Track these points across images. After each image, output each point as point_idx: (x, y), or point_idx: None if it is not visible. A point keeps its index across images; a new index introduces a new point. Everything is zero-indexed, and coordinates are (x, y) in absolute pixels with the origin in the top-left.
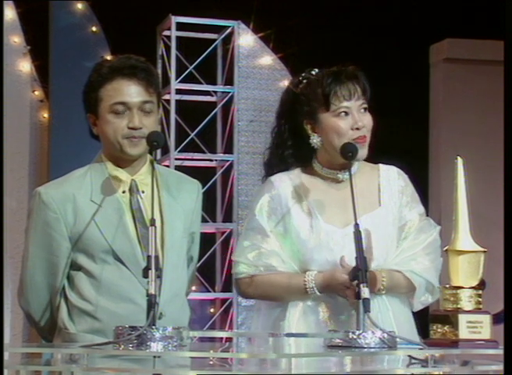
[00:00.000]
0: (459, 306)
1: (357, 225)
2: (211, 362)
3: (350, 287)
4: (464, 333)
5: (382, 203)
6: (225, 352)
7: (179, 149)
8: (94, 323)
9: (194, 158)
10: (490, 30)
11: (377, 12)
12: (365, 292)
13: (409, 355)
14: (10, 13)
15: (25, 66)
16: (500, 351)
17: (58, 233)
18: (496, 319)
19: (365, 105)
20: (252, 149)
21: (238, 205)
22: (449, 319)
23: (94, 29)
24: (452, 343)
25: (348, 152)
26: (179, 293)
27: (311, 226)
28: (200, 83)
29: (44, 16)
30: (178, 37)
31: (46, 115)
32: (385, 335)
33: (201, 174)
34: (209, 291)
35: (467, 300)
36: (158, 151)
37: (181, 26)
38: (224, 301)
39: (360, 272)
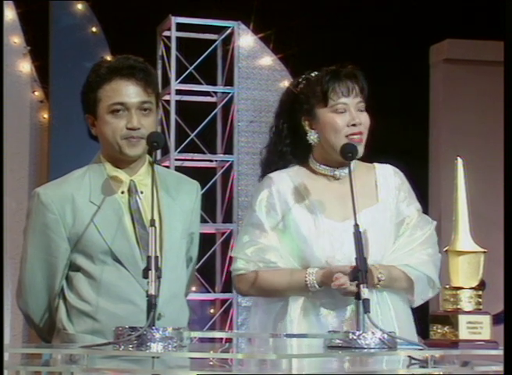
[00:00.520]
0: (459, 307)
1: (357, 226)
2: (211, 363)
3: (344, 276)
4: (464, 333)
5: (380, 199)
6: (225, 353)
7: (179, 150)
8: (93, 323)
9: (194, 158)
10: (490, 30)
11: (377, 12)
12: (365, 293)
13: (409, 356)
14: (10, 14)
15: (25, 66)
16: (500, 352)
17: (56, 234)
18: (495, 320)
19: (363, 104)
20: (252, 150)
21: (238, 206)
22: (449, 319)
23: (94, 29)
24: (452, 343)
25: (348, 153)
26: (178, 293)
27: (311, 221)
28: (200, 83)
29: (44, 16)
30: (178, 38)
31: (46, 115)
32: (385, 336)
33: (201, 175)
34: (209, 292)
35: (467, 300)
36: (158, 152)
37: (181, 27)
38: (224, 301)
39: (360, 272)
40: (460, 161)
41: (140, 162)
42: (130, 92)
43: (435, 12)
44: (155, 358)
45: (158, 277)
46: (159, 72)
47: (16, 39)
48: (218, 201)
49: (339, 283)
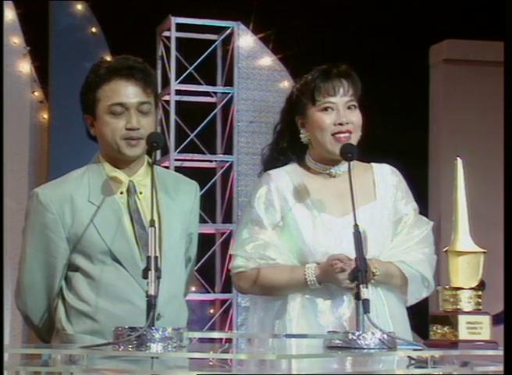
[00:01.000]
0: (459, 307)
1: (356, 226)
2: (211, 363)
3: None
4: (463, 334)
5: (378, 197)
6: (225, 353)
7: (178, 150)
8: (92, 324)
9: (194, 158)
10: (490, 30)
11: (377, 12)
12: (365, 293)
13: (409, 356)
14: (10, 14)
15: (25, 66)
16: (500, 352)
17: (55, 234)
18: (495, 320)
19: (353, 103)
20: (252, 150)
21: (238, 206)
22: (448, 319)
23: (93, 30)
24: (452, 344)
25: (347, 153)
26: (177, 294)
27: (310, 217)
28: (200, 84)
29: (43, 16)
30: (178, 38)
31: (46, 116)
32: (385, 336)
33: (201, 175)
34: (209, 292)
35: (466, 301)
36: (158, 152)
37: (181, 27)
38: (224, 302)
39: (360, 273)
40: (459, 161)
41: (139, 163)
42: (129, 92)
43: (434, 12)
44: (155, 358)
45: (158, 277)
46: (159, 72)
47: (15, 39)
48: (218, 202)
49: (337, 266)
